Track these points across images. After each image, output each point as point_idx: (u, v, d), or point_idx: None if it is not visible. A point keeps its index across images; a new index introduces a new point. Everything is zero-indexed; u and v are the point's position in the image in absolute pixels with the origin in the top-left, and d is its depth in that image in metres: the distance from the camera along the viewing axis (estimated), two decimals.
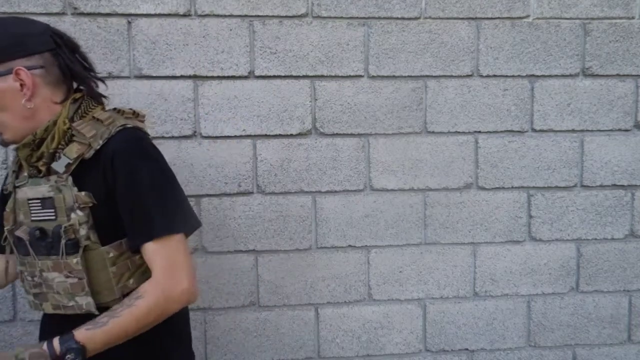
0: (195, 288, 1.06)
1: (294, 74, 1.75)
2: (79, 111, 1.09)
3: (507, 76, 1.83)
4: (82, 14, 1.66)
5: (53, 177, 1.05)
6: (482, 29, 1.81)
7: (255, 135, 1.76)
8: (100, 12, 1.66)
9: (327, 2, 1.74)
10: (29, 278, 1.09)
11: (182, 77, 1.71)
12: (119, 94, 1.69)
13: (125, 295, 1.07)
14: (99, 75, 1.18)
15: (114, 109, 1.16)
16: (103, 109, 1.15)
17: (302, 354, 1.85)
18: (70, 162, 1.04)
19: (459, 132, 1.84)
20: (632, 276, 1.94)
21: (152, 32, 1.68)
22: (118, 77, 1.68)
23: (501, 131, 1.85)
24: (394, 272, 1.86)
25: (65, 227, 1.02)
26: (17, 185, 1.09)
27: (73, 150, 1.05)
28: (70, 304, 1.07)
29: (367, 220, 1.83)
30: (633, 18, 1.85)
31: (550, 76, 1.85)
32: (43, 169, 1.06)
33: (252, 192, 1.77)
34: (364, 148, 1.81)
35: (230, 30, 1.72)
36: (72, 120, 1.08)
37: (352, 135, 1.80)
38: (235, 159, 1.76)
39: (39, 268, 1.06)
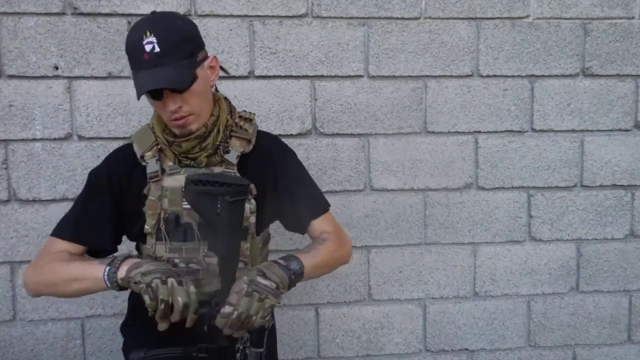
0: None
1: (294, 74, 1.75)
2: (230, 109, 1.20)
3: (507, 76, 1.83)
4: (82, 14, 1.66)
5: (217, 168, 1.13)
6: (482, 29, 1.81)
7: None
8: (100, 12, 1.66)
9: (327, 2, 1.74)
10: (183, 265, 1.10)
11: None
12: (119, 94, 1.69)
13: None
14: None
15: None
16: None
17: (302, 354, 1.85)
18: (239, 154, 1.14)
19: (459, 132, 1.84)
20: (632, 276, 1.94)
21: None
22: (118, 77, 1.68)
23: (501, 131, 1.85)
24: (394, 272, 1.86)
25: (245, 215, 1.08)
26: (171, 172, 1.12)
27: (237, 145, 1.15)
28: None
29: (367, 220, 1.83)
30: (633, 18, 1.85)
31: (550, 76, 1.85)
32: (205, 160, 1.12)
33: None
34: (364, 148, 1.81)
35: (230, 30, 1.72)
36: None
37: (352, 135, 1.80)
38: None
39: (204, 253, 1.08)
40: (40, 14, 1.65)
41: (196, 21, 1.69)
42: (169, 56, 1.01)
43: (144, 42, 1.00)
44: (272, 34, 1.73)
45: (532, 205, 1.88)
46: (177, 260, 1.10)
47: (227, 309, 0.94)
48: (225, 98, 1.22)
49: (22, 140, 1.68)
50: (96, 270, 1.00)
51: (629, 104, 1.88)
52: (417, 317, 1.89)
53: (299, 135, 1.78)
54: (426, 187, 1.84)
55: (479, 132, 1.84)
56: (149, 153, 1.13)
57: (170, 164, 1.13)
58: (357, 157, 1.81)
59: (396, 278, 1.86)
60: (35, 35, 1.65)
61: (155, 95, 1.05)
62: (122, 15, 1.67)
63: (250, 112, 1.23)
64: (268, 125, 1.76)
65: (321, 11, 1.74)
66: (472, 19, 1.80)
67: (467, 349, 1.92)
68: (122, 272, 0.98)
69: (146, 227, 1.11)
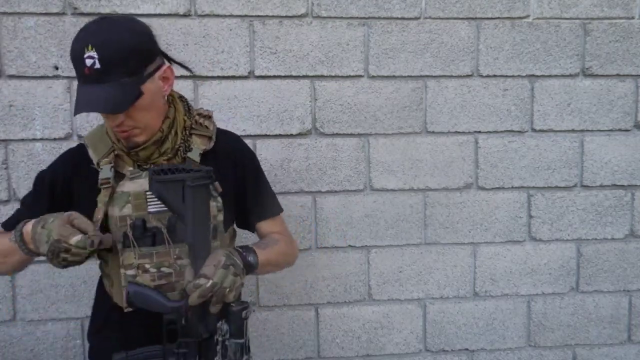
0: None
1: (294, 74, 1.75)
2: (188, 108, 1.18)
3: (507, 76, 1.83)
4: (82, 14, 1.66)
5: None
6: (482, 29, 1.81)
7: (255, 135, 1.76)
8: (100, 12, 1.66)
9: (327, 2, 1.74)
10: (154, 270, 1.08)
11: (182, 77, 1.70)
12: None
13: None
14: None
15: None
16: None
17: (302, 354, 1.85)
18: (201, 152, 1.13)
19: (459, 132, 1.84)
20: (632, 276, 1.94)
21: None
22: None
23: (501, 131, 1.85)
24: (394, 272, 1.86)
25: (213, 213, 1.08)
26: (132, 177, 1.09)
27: (198, 142, 1.14)
28: None
29: (367, 220, 1.83)
30: (633, 18, 1.85)
31: (550, 76, 1.85)
32: (166, 163, 1.11)
33: None
34: (364, 148, 1.81)
35: (230, 30, 1.72)
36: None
37: (352, 135, 1.80)
38: None
39: (175, 256, 1.09)
40: (40, 14, 1.65)
41: (196, 21, 1.70)
42: (109, 74, 0.96)
43: (85, 56, 0.95)
44: (272, 34, 1.73)
45: (532, 205, 1.88)
46: (147, 266, 1.08)
47: (201, 280, 0.93)
48: (181, 97, 1.19)
49: (22, 140, 1.68)
50: (10, 242, 1.02)
51: (629, 104, 1.88)
52: (417, 317, 1.89)
53: (299, 135, 1.78)
54: (426, 187, 1.84)
55: (479, 132, 1.84)
56: (106, 159, 1.09)
57: (130, 169, 1.10)
58: (357, 157, 1.81)
59: (396, 278, 1.86)
60: (35, 35, 1.65)
61: None
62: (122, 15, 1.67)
63: (208, 110, 1.22)
64: (268, 125, 1.76)
65: (321, 11, 1.74)
66: (472, 19, 1.80)
67: (467, 349, 1.92)
68: (27, 229, 0.99)
69: None
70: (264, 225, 1.26)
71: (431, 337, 1.90)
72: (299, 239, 1.80)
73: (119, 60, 0.97)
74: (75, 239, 0.93)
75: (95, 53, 0.95)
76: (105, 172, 1.08)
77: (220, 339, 0.96)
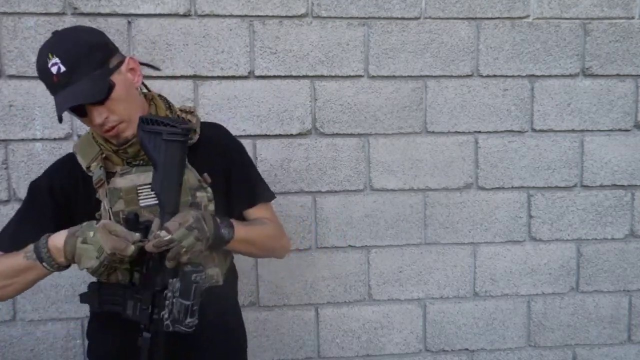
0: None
1: (294, 74, 1.75)
2: (169, 105, 1.18)
3: (507, 76, 1.83)
4: (82, 14, 1.66)
5: None
6: (482, 29, 1.81)
7: (255, 135, 1.76)
8: (100, 12, 1.66)
9: (327, 2, 1.74)
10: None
11: (182, 77, 1.71)
12: None
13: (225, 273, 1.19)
14: None
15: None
16: None
17: (302, 354, 1.85)
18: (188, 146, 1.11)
19: (459, 132, 1.84)
20: (632, 276, 1.94)
21: (152, 32, 1.68)
22: None
23: (501, 131, 1.85)
24: (394, 272, 1.86)
25: (203, 204, 1.10)
26: (122, 173, 1.10)
27: None
28: None
29: (367, 220, 1.83)
30: (633, 18, 1.85)
31: (550, 76, 1.85)
32: None
33: None
34: (364, 148, 1.81)
35: (230, 30, 1.72)
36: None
37: (352, 135, 1.80)
38: None
39: None
40: (40, 14, 1.65)
41: (196, 21, 1.70)
42: (77, 72, 0.98)
43: (49, 66, 0.98)
44: (272, 34, 1.73)
45: (532, 205, 1.88)
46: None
47: (162, 232, 0.95)
48: (160, 95, 1.20)
49: (22, 140, 1.68)
50: (27, 261, 1.01)
51: (629, 104, 1.88)
52: (417, 317, 1.89)
53: (299, 135, 1.78)
54: (426, 187, 1.84)
55: (479, 132, 1.84)
56: (95, 164, 1.11)
57: (120, 167, 1.11)
58: (357, 157, 1.81)
59: (396, 278, 1.86)
60: (35, 35, 1.65)
61: (80, 112, 1.03)
62: (122, 15, 1.67)
63: (190, 106, 1.23)
64: (268, 125, 1.76)
65: (321, 11, 1.74)
66: (472, 19, 1.80)
67: (467, 349, 1.92)
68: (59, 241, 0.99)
69: None
70: (252, 212, 1.24)
71: (431, 337, 1.90)
72: (299, 239, 1.80)
73: (80, 56, 0.99)
74: (131, 249, 0.96)
75: (57, 59, 0.98)
76: (97, 173, 1.10)
77: (169, 294, 0.97)
